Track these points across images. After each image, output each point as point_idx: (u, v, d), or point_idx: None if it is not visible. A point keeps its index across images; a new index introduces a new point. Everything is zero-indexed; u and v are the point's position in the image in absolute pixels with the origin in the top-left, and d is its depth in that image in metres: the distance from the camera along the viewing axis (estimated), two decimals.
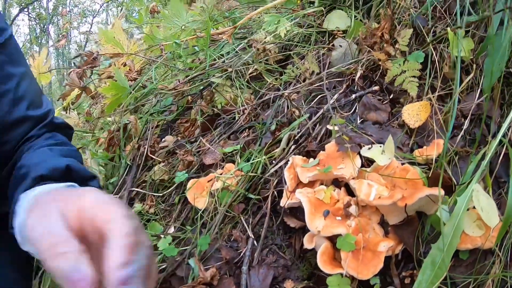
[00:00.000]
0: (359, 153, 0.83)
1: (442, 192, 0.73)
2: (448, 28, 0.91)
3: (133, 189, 1.10)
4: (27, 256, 0.98)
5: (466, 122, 0.89)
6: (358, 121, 0.94)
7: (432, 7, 1.02)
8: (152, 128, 1.16)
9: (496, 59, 0.91)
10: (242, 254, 0.83)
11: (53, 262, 0.43)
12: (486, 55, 0.92)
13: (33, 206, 0.53)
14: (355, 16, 1.11)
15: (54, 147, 0.77)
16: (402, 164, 0.81)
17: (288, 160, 0.86)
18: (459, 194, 0.76)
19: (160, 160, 1.10)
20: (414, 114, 0.90)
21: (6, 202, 0.78)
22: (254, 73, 1.11)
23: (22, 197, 0.62)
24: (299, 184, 0.84)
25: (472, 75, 0.92)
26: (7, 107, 0.83)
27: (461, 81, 0.93)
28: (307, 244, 0.76)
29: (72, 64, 1.34)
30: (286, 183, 0.84)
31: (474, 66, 0.93)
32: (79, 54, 1.25)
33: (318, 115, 0.93)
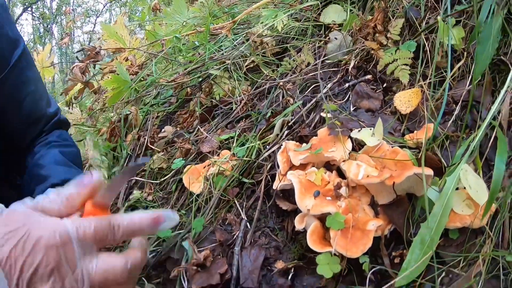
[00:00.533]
0: (350, 138, 0.85)
1: (431, 171, 0.75)
2: (439, 17, 0.94)
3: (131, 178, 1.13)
4: None
5: (457, 108, 0.91)
6: (352, 109, 0.97)
7: None
8: (152, 118, 1.20)
9: (486, 47, 0.93)
10: (235, 236, 0.86)
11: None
12: (477, 43, 0.95)
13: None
14: (350, 10, 1.15)
15: (65, 151, 0.99)
16: (393, 147, 0.84)
17: (281, 145, 0.89)
18: (448, 175, 0.78)
19: (159, 150, 1.13)
20: (405, 100, 0.92)
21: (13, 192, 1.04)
22: (251, 65, 1.14)
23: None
24: (291, 167, 0.86)
25: (462, 61, 0.94)
26: (31, 107, 0.99)
27: (453, 69, 0.96)
28: (298, 225, 0.78)
29: (76, 60, 1.39)
30: (278, 167, 0.86)
31: (465, 54, 0.95)
32: (82, 49, 1.30)
33: (311, 102, 0.96)
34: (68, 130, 1.13)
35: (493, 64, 0.96)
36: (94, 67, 1.37)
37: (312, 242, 0.74)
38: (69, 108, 1.55)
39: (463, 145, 0.85)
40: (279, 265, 0.79)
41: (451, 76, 0.96)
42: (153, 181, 1.08)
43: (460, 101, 0.92)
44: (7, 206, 0.56)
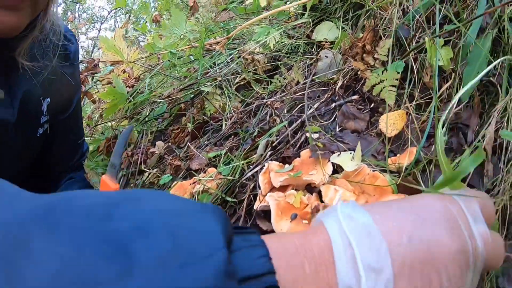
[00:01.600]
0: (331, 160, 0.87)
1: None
2: (426, 38, 0.95)
3: None
4: None
5: (444, 131, 0.92)
6: (337, 130, 0.99)
7: (416, 18, 1.06)
8: (146, 135, 1.24)
9: (475, 68, 0.94)
10: None
11: None
12: (466, 63, 0.96)
13: None
14: (343, 28, 1.17)
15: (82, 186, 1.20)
16: (374, 171, 0.85)
17: (264, 165, 0.91)
18: None
19: (151, 167, 1.18)
20: (390, 123, 0.93)
21: None
22: (242, 82, 1.17)
23: None
24: (272, 188, 0.89)
25: (449, 83, 0.95)
26: (73, 144, 1.23)
27: (440, 90, 0.96)
28: None
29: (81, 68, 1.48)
30: (259, 188, 0.89)
31: (453, 74, 0.96)
32: (81, 61, 1.36)
33: (297, 122, 0.98)
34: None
35: (481, 85, 0.96)
36: (92, 79, 1.43)
37: None
38: None
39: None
40: None
41: (439, 98, 0.97)
42: None
43: (447, 124, 0.93)
44: None
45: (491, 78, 0.95)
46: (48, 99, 1.04)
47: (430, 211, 0.46)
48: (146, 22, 1.93)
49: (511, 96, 0.91)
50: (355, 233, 0.41)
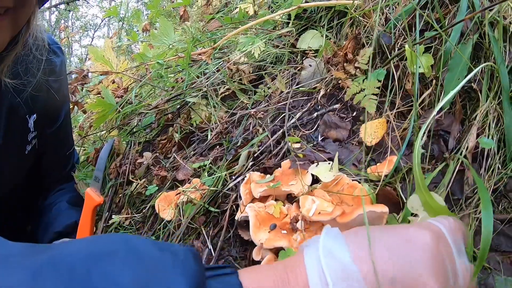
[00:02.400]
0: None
1: (386, 208, 0.78)
2: (406, 45, 0.97)
3: (111, 205, 1.21)
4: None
5: (424, 138, 0.94)
6: (319, 139, 1.00)
7: (397, 26, 1.08)
8: (134, 145, 1.27)
9: (456, 74, 0.96)
10: (203, 261, 0.90)
11: None
12: (447, 70, 0.97)
13: None
14: (327, 36, 1.18)
15: (75, 199, 1.22)
16: (353, 181, 0.87)
17: (246, 176, 0.93)
18: (406, 212, 0.81)
19: (139, 177, 1.20)
20: (371, 132, 0.95)
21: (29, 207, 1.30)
22: (227, 93, 1.19)
23: None
24: (254, 199, 0.90)
25: (430, 90, 0.96)
26: (64, 155, 1.27)
27: (421, 97, 0.98)
28: (255, 256, 0.83)
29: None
30: (241, 198, 0.91)
31: (434, 81, 0.97)
32: (70, 72, 1.39)
33: (278, 133, 1.00)
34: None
35: (463, 92, 0.98)
36: (82, 89, 1.45)
37: None
38: None
39: (428, 178, 0.87)
40: None
41: (420, 105, 0.99)
42: (130, 207, 1.15)
43: (427, 131, 0.94)
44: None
45: (472, 84, 0.96)
46: (35, 115, 1.06)
47: (417, 249, 0.45)
48: (137, 30, 1.96)
49: (491, 103, 0.92)
50: (334, 275, 0.42)
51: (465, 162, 0.83)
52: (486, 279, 0.73)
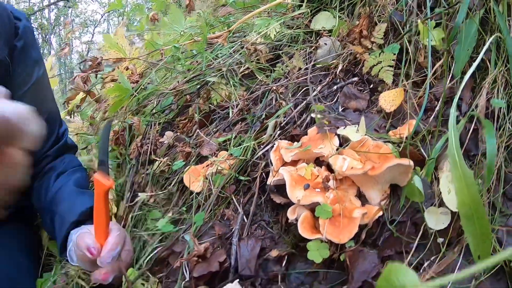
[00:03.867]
0: (337, 135, 0.97)
1: (412, 162, 0.86)
2: (419, 20, 1.06)
3: (133, 185, 1.26)
4: (37, 247, 1.24)
5: (439, 104, 1.03)
6: (340, 109, 1.09)
7: (408, 4, 1.17)
8: (154, 125, 1.32)
9: (465, 46, 1.05)
10: (233, 229, 0.97)
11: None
12: (457, 42, 1.07)
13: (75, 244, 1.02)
14: (339, 16, 1.27)
15: (80, 181, 1.19)
16: (377, 142, 0.95)
17: (274, 144, 1.00)
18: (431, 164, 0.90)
19: (161, 156, 1.26)
20: (389, 100, 1.04)
21: (25, 198, 1.26)
22: (246, 72, 1.27)
23: (70, 238, 1.08)
24: (284, 164, 0.98)
25: (442, 60, 1.06)
26: (46, 125, 1.21)
27: (434, 68, 1.07)
28: (291, 216, 0.90)
29: (75, 71, 1.55)
30: (272, 164, 0.98)
31: (446, 53, 1.07)
32: (84, 60, 1.44)
33: (302, 104, 1.08)
34: (75, 154, 1.29)
35: (472, 62, 1.07)
36: (96, 77, 1.50)
37: (303, 230, 0.85)
38: (70, 117, 1.69)
39: (443, 137, 0.96)
40: (274, 253, 0.90)
41: (433, 75, 1.08)
42: (154, 184, 1.20)
43: (441, 98, 1.04)
44: None
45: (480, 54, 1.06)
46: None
47: None
48: (141, 18, 2.02)
49: (499, 70, 1.02)
50: None
51: (479, 116, 0.93)
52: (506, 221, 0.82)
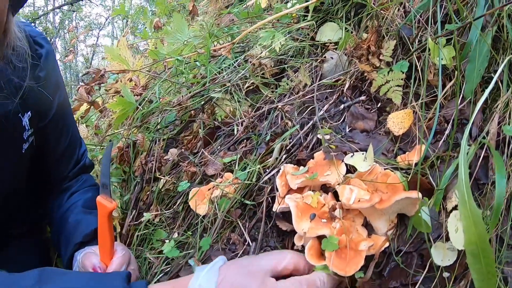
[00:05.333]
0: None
1: (420, 194, 0.86)
2: (428, 38, 1.04)
3: (138, 202, 1.27)
4: (47, 252, 1.30)
5: (449, 127, 1.01)
6: (347, 130, 1.07)
7: (417, 17, 1.14)
8: (158, 141, 1.32)
9: (477, 65, 1.03)
10: (239, 254, 0.98)
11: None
12: (468, 61, 1.04)
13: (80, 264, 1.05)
14: (346, 28, 1.25)
15: (90, 201, 1.20)
16: (385, 169, 0.94)
17: (280, 169, 1.00)
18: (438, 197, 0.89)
19: (166, 174, 1.26)
20: (398, 122, 1.02)
21: (42, 215, 1.32)
22: (251, 87, 1.26)
23: (74, 258, 1.11)
24: (290, 190, 0.97)
25: (453, 81, 1.04)
26: (67, 147, 1.26)
27: (445, 88, 1.05)
28: (297, 242, 0.90)
29: (79, 80, 1.55)
30: (277, 190, 0.98)
31: (457, 72, 1.04)
32: (87, 72, 1.43)
33: (308, 125, 1.07)
34: (91, 172, 1.32)
35: (483, 82, 1.05)
36: (99, 89, 1.50)
37: (310, 257, 0.85)
38: None
39: (453, 164, 0.95)
40: None
41: (443, 95, 1.06)
42: (159, 204, 1.21)
43: (451, 120, 1.02)
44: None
45: (492, 74, 1.04)
46: (29, 112, 1.08)
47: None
48: (145, 28, 2.00)
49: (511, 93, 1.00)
50: None
51: (489, 145, 0.91)
52: None
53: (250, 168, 1.04)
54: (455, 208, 0.86)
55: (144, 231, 1.21)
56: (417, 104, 1.04)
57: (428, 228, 0.85)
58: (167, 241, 1.09)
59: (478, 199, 0.91)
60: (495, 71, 1.04)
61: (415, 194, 0.84)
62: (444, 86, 1.06)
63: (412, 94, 1.07)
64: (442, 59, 1.04)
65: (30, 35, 1.08)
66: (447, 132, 1.01)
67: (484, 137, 0.96)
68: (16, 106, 1.02)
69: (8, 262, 1.23)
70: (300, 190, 0.96)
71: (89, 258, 1.03)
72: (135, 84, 1.49)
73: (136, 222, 1.26)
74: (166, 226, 1.19)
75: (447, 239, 0.84)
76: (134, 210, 1.29)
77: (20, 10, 1.00)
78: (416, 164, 0.94)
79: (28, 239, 1.32)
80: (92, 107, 1.57)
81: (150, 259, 1.10)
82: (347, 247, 0.85)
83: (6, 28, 0.91)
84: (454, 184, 0.91)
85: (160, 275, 1.05)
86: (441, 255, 0.80)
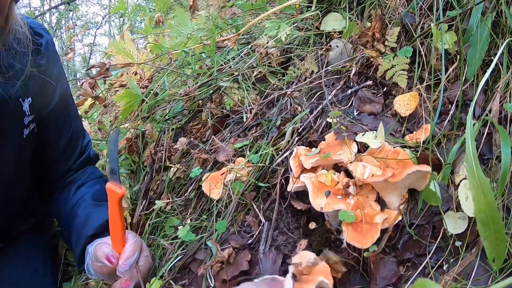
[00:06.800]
0: (355, 141, 1.01)
1: (429, 168, 0.91)
2: (432, 24, 1.10)
3: (148, 192, 1.31)
4: (54, 256, 1.30)
5: (453, 108, 1.08)
6: (355, 113, 1.13)
7: (419, 5, 1.21)
8: (167, 131, 1.36)
9: (477, 49, 1.10)
10: (254, 236, 1.02)
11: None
12: (469, 45, 1.11)
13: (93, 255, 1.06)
14: (349, 18, 1.31)
15: (99, 194, 1.21)
16: (395, 147, 1.00)
17: (293, 151, 1.05)
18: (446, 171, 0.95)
19: (176, 162, 1.30)
20: (404, 104, 1.08)
21: (46, 209, 1.33)
22: (259, 76, 1.31)
23: (86, 251, 1.12)
24: (303, 170, 1.02)
25: (456, 64, 1.10)
26: (70, 139, 1.26)
27: (447, 71, 1.12)
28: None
29: (78, 74, 1.57)
30: (291, 170, 1.02)
31: (458, 56, 1.11)
32: (92, 66, 1.46)
33: (318, 109, 1.12)
34: (96, 164, 1.33)
35: (484, 65, 1.12)
36: (105, 83, 1.53)
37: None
38: None
39: (459, 141, 1.01)
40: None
41: (446, 78, 1.13)
42: (170, 192, 1.24)
43: (455, 101, 1.08)
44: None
45: (492, 58, 1.11)
46: (29, 98, 1.10)
47: None
48: (146, 24, 2.04)
49: None
50: None
51: (492, 121, 0.98)
52: None
53: (263, 151, 1.08)
54: (463, 181, 0.91)
55: (156, 219, 1.24)
56: (421, 87, 1.10)
57: (438, 200, 0.90)
58: (180, 227, 1.12)
59: (484, 172, 0.97)
60: (495, 54, 1.11)
61: (426, 168, 0.89)
62: (447, 69, 1.12)
63: (417, 78, 1.13)
64: (444, 44, 1.11)
65: (30, 26, 1.11)
66: (451, 112, 1.07)
67: (487, 115, 1.02)
68: (17, 90, 1.04)
69: (15, 256, 1.25)
70: (313, 169, 1.01)
71: (100, 248, 1.05)
72: (140, 77, 1.52)
73: (147, 212, 1.29)
74: (178, 213, 1.23)
75: (457, 210, 0.89)
76: (145, 200, 1.31)
77: (17, 11, 1.03)
78: (424, 142, 1.00)
79: (35, 234, 1.33)
80: (96, 102, 1.61)
81: (165, 245, 1.13)
82: (363, 221, 0.90)
83: (8, 13, 0.94)
84: (461, 159, 0.97)
85: (176, 260, 1.08)
86: (453, 224, 0.85)
